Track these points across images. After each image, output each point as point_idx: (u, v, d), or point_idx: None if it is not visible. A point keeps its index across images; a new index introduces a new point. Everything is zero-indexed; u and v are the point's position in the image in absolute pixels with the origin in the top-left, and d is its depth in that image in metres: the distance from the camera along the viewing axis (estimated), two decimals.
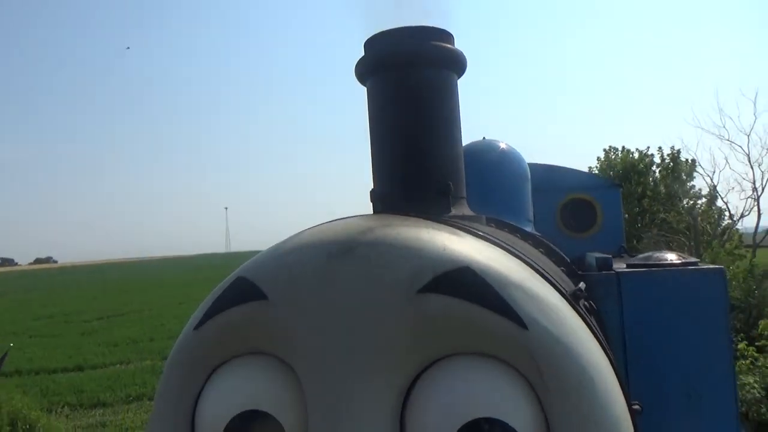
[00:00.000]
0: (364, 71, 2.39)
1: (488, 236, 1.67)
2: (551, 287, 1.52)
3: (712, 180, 22.30)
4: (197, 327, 1.57)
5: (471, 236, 1.59)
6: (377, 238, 1.47)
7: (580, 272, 2.74)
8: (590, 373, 1.32)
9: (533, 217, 5.19)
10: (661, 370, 2.56)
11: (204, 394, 1.56)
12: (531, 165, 5.17)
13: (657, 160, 25.72)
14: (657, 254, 2.83)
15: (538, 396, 1.33)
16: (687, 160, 25.35)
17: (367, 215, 1.69)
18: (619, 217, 6.85)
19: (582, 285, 1.92)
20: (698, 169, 24.98)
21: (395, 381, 1.38)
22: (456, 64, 2.41)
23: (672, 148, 25.86)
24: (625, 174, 24.88)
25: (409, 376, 1.40)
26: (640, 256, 3.01)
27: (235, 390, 1.51)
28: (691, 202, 25.29)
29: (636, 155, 25.81)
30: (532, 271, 1.54)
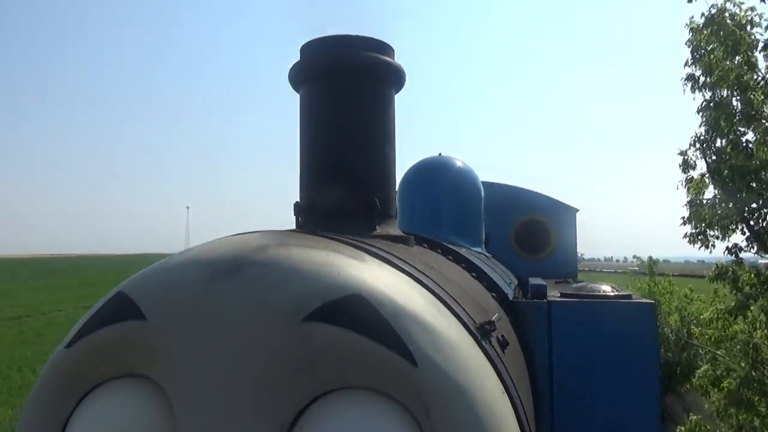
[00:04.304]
0: (298, 77, 2.29)
1: (398, 261, 1.58)
2: (455, 319, 1.43)
3: None
4: (69, 345, 1.43)
5: (375, 260, 1.49)
6: (267, 257, 1.35)
7: (511, 299, 2.67)
8: (481, 414, 1.23)
9: (487, 237, 5.15)
10: (587, 402, 2.51)
11: (73, 418, 1.42)
12: (486, 184, 5.14)
13: None
14: (591, 284, 2.79)
15: None
16: None
17: (266, 231, 1.58)
18: (574, 240, 6.87)
19: (496, 317, 1.84)
20: None
21: (276, 416, 1.27)
22: (394, 78, 2.33)
23: None
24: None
25: (291, 411, 1.28)
26: (575, 285, 2.97)
27: (105, 417, 1.38)
28: None
29: None
30: (437, 302, 1.44)
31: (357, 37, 2.25)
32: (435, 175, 4.68)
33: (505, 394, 1.39)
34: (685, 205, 10.22)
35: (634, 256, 14.10)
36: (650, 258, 12.88)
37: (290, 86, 2.37)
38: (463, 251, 3.03)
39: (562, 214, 6.82)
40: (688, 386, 10.71)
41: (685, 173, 10.16)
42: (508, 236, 6.51)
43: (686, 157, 10.06)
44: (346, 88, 2.20)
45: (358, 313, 1.26)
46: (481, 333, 1.52)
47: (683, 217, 10.27)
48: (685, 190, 10.25)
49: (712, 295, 11.09)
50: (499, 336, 1.72)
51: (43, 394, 1.44)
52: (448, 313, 1.44)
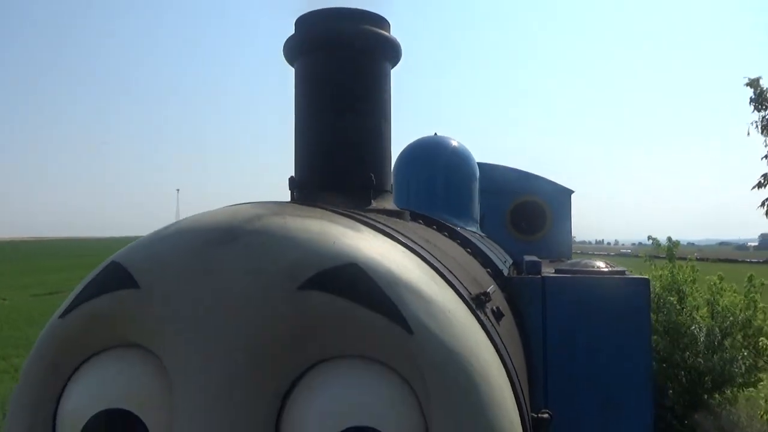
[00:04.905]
0: (293, 51, 2.27)
1: (393, 232, 1.57)
2: (450, 289, 1.44)
3: None
4: (63, 315, 1.42)
5: (371, 231, 1.49)
6: (262, 226, 1.35)
7: (506, 275, 2.69)
8: (476, 381, 1.24)
9: (482, 218, 5.16)
10: (579, 376, 2.54)
11: (68, 388, 1.42)
12: (482, 165, 5.14)
13: None
14: (585, 261, 2.81)
15: (420, 403, 1.24)
16: None
17: (260, 202, 1.57)
18: (568, 222, 6.89)
19: (491, 288, 1.85)
20: None
21: (271, 384, 1.27)
22: (390, 51, 2.31)
23: None
24: None
25: (287, 378, 1.29)
26: (570, 262, 2.98)
27: (100, 385, 1.38)
28: None
29: None
30: (432, 272, 1.45)
31: (353, 9, 2.22)
32: (430, 154, 4.68)
33: (500, 362, 1.40)
34: (765, 157, 7.07)
35: (649, 237, 10.26)
36: (669, 239, 9.94)
37: (285, 60, 2.34)
38: (458, 229, 3.03)
39: (557, 195, 6.83)
40: (717, 396, 8.51)
41: (759, 111, 6.95)
42: (503, 217, 6.52)
43: (761, 89, 6.80)
44: (341, 62, 2.18)
45: (354, 282, 1.26)
46: (476, 303, 1.52)
47: (764, 176, 7.13)
48: (763, 136, 6.89)
49: (746, 284, 9.13)
50: (494, 307, 1.73)
51: (38, 364, 1.44)
52: (444, 283, 1.45)
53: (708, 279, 9.31)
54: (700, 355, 8.28)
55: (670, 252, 9.65)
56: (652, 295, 8.10)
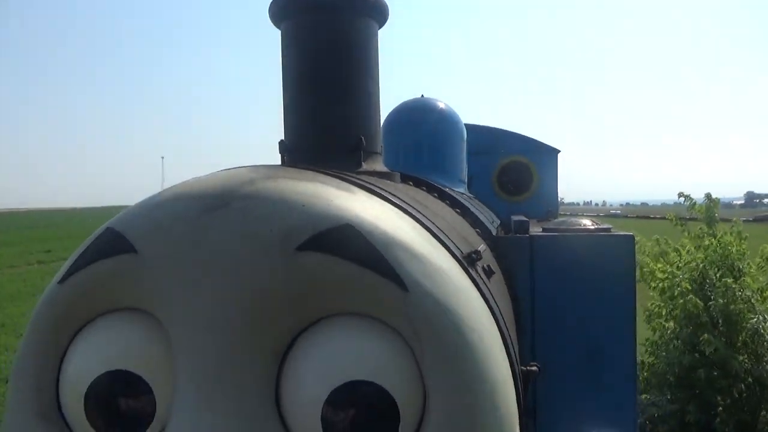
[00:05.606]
0: (279, 12, 2.24)
1: (386, 193, 1.60)
2: (443, 248, 1.47)
3: None
4: (62, 281, 1.44)
5: (364, 192, 1.51)
6: (256, 190, 1.37)
7: (495, 235, 2.73)
8: (470, 338, 1.29)
9: (470, 179, 5.19)
10: (567, 330, 2.62)
11: (69, 353, 1.45)
12: (469, 126, 5.14)
13: None
14: (572, 219, 2.86)
15: (416, 359, 1.29)
16: None
17: (254, 166, 1.58)
18: (555, 182, 6.93)
19: (482, 247, 1.89)
20: None
21: (270, 343, 1.31)
22: (377, 11, 2.29)
23: None
24: None
25: (285, 338, 1.33)
26: (556, 221, 3.04)
27: (101, 348, 1.41)
28: None
29: None
30: (425, 232, 1.48)
31: None
32: (418, 116, 4.66)
33: (492, 318, 1.45)
34: None
35: (680, 194, 7.61)
36: (708, 196, 7.51)
37: (271, 22, 2.31)
38: (446, 190, 3.06)
39: (544, 155, 6.85)
40: None
41: None
42: (489, 178, 6.55)
43: None
44: (328, 23, 2.16)
45: (349, 242, 1.29)
46: (468, 261, 1.57)
47: None
48: None
49: None
50: (485, 265, 1.77)
51: (38, 329, 1.46)
52: (437, 242, 1.48)
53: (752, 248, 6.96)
54: (765, 359, 6.29)
55: (710, 213, 7.43)
56: (695, 273, 7.00)
